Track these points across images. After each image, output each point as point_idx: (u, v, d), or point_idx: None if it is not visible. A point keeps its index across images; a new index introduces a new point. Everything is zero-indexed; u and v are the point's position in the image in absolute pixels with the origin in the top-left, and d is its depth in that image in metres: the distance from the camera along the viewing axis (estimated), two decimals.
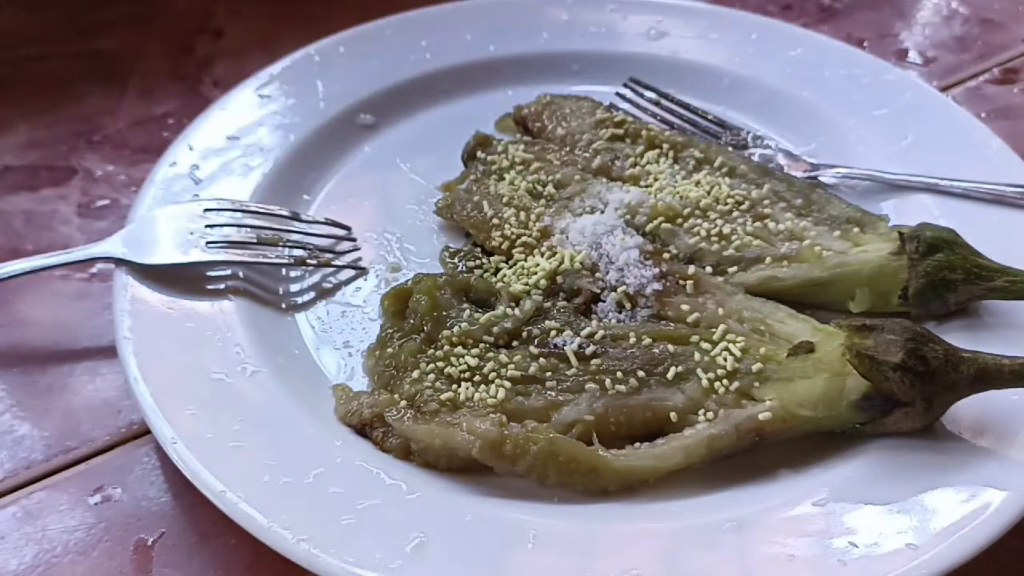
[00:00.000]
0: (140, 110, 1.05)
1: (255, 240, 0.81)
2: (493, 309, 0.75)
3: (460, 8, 1.07)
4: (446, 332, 0.72)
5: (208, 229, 0.79)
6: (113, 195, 0.95)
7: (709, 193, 0.83)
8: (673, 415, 0.67)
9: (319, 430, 0.68)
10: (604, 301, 0.75)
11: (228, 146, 0.90)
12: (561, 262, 0.77)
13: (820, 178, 0.89)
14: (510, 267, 0.79)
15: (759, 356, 0.69)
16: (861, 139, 0.93)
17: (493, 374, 0.70)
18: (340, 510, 0.61)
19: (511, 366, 0.70)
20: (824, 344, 0.68)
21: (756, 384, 0.67)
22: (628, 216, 0.81)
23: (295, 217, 0.84)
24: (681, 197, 0.83)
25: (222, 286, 0.78)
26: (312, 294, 0.81)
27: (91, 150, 1.00)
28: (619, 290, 0.75)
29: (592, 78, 1.02)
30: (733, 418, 0.66)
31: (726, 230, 0.80)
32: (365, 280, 0.82)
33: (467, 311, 0.74)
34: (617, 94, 0.99)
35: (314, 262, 0.82)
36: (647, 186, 0.85)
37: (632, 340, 0.71)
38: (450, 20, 1.05)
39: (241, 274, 0.79)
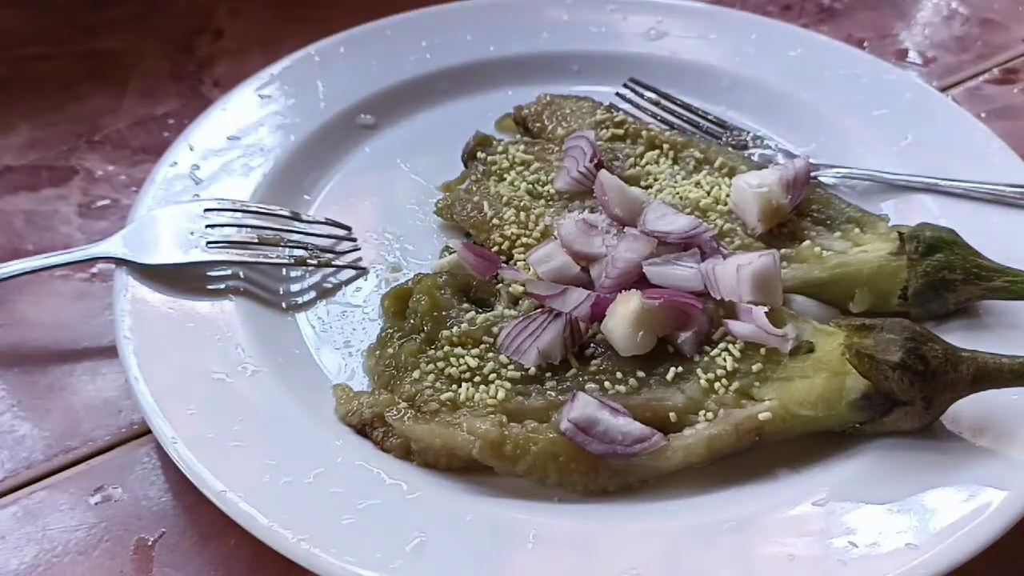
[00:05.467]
0: (140, 110, 1.05)
1: (255, 240, 0.81)
2: (493, 309, 0.75)
3: (460, 8, 1.07)
4: (446, 332, 0.72)
5: (208, 229, 0.80)
6: (113, 195, 0.95)
7: (709, 193, 0.83)
8: (673, 415, 0.67)
9: (319, 430, 0.68)
10: None
11: (228, 146, 0.90)
12: None
13: (820, 178, 0.89)
14: (510, 267, 0.79)
15: (759, 356, 0.69)
16: (861, 139, 0.93)
17: (493, 374, 0.69)
18: (340, 510, 0.62)
19: (511, 366, 0.70)
20: (824, 344, 0.68)
21: (756, 384, 0.67)
22: None
23: (295, 217, 0.84)
24: (681, 197, 0.83)
25: (222, 286, 0.78)
26: (312, 294, 0.81)
27: (91, 150, 1.00)
28: None
29: (592, 78, 1.02)
30: (733, 418, 0.66)
31: (726, 229, 0.80)
32: (365, 280, 0.82)
33: (467, 311, 0.74)
34: (617, 94, 0.99)
35: (314, 262, 0.82)
36: (647, 186, 0.85)
37: None
38: (450, 20, 1.05)
39: (241, 274, 0.79)
